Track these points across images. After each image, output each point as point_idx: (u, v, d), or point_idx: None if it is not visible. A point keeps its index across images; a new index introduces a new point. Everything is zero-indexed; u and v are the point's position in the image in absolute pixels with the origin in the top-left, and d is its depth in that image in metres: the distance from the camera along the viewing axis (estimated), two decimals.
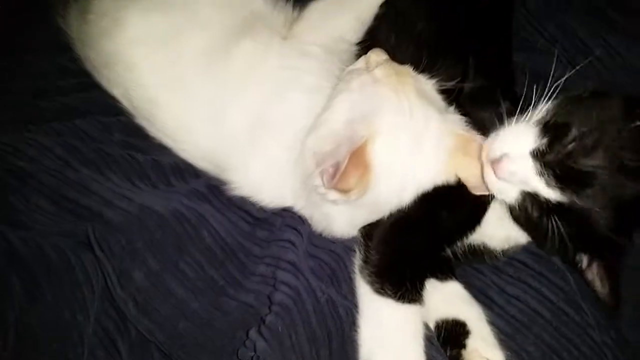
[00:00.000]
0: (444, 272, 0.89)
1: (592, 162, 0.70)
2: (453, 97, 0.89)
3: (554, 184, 0.71)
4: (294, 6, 1.00)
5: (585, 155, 0.70)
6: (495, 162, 0.75)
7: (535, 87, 0.80)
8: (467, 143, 0.83)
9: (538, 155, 0.73)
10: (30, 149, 0.90)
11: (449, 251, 0.89)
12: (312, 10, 0.96)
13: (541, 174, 0.72)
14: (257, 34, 0.92)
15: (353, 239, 0.89)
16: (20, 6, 1.11)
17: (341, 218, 0.85)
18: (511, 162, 0.73)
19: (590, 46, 1.05)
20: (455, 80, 0.89)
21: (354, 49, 0.97)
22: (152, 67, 0.91)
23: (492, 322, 0.85)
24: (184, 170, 0.95)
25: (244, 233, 0.91)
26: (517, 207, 0.76)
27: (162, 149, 0.94)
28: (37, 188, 0.87)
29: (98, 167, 0.91)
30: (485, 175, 0.77)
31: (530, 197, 0.74)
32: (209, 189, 0.94)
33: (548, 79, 1.01)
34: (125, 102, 0.95)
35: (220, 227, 0.89)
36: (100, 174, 0.90)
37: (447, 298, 0.87)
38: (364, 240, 0.87)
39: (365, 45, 0.98)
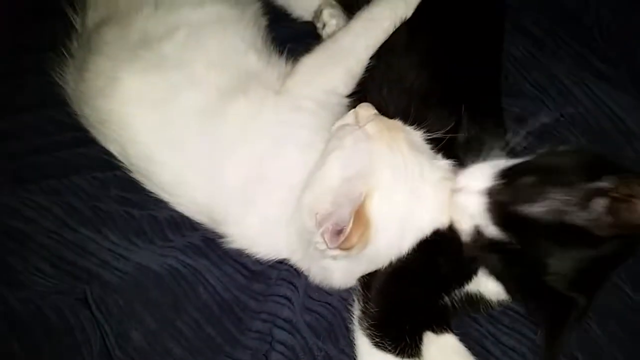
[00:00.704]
0: (440, 325, 0.89)
1: (536, 210, 0.72)
2: (442, 145, 0.91)
3: (497, 223, 0.74)
4: (287, 59, 1.02)
5: (530, 202, 0.73)
6: (455, 192, 0.79)
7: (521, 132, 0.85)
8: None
9: (491, 193, 0.76)
10: (28, 210, 0.91)
11: (446, 300, 0.90)
12: (303, 65, 0.97)
13: (488, 211, 0.76)
14: (251, 92, 0.94)
15: (350, 290, 0.90)
16: (15, 61, 1.13)
17: (339, 271, 0.86)
18: (464, 194, 0.78)
19: (575, 94, 1.08)
20: (445, 129, 0.91)
21: (346, 101, 0.99)
22: (147, 125, 0.93)
23: None
24: (181, 224, 0.96)
25: (240, 286, 0.92)
26: (470, 237, 0.79)
27: (159, 203, 0.95)
28: (35, 250, 0.88)
29: (95, 226, 0.92)
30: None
31: (479, 232, 0.77)
32: (205, 242, 0.95)
33: (534, 124, 1.05)
34: (121, 158, 0.97)
35: (217, 281, 0.90)
36: (98, 232, 0.91)
37: (443, 351, 0.87)
38: (362, 290, 0.87)
39: (357, 97, 1.00)
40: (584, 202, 0.71)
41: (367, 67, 0.99)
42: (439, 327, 0.89)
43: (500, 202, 0.75)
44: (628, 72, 1.13)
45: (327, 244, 0.75)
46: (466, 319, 0.93)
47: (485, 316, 0.93)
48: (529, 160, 0.80)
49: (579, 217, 0.71)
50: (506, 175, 0.78)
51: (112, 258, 0.88)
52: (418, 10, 0.99)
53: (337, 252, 0.76)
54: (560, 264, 0.73)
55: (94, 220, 0.93)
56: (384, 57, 0.99)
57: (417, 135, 0.88)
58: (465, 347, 0.87)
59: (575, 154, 0.81)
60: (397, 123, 0.88)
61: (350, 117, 0.87)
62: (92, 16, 1.05)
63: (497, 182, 0.78)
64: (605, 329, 0.95)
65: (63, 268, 0.88)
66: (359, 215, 0.75)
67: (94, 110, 0.98)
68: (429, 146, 0.87)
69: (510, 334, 0.91)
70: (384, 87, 0.98)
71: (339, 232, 0.73)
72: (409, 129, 0.88)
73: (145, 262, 0.88)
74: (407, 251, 0.83)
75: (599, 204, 0.71)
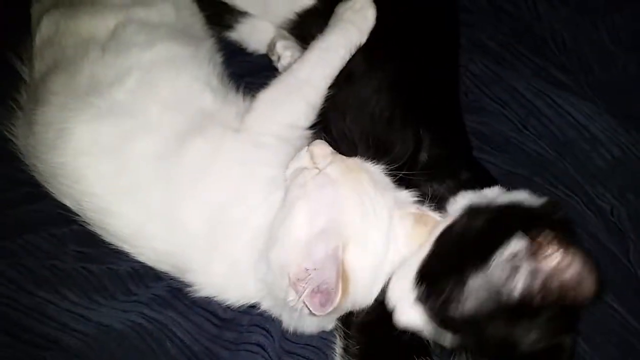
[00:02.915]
0: (421, 355, 0.87)
1: (469, 307, 0.69)
2: (404, 173, 0.89)
3: (443, 327, 0.72)
4: (245, 94, 1.00)
5: (459, 303, 0.69)
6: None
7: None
8: (423, 217, 0.83)
9: (421, 305, 0.74)
10: None
11: None
12: (261, 100, 0.95)
13: (431, 319, 0.73)
14: (208, 132, 0.91)
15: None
16: None
17: (313, 320, 0.83)
18: (401, 315, 0.75)
19: (538, 106, 1.07)
20: (405, 157, 0.90)
21: (308, 133, 0.97)
22: (101, 176, 0.89)
23: None
24: (144, 275, 0.93)
25: (211, 336, 0.89)
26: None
27: (119, 255, 0.91)
28: None
29: (53, 286, 0.87)
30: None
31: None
32: (171, 292, 0.91)
33: (498, 141, 1.04)
34: (77, 212, 0.93)
35: (185, 334, 0.86)
36: (56, 293, 0.87)
37: None
38: (342, 327, 0.85)
39: (320, 127, 0.98)
40: (508, 274, 0.68)
41: (327, 97, 0.96)
42: (420, 357, 0.86)
43: (434, 312, 0.72)
44: (586, 80, 1.14)
45: (309, 309, 0.71)
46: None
47: None
48: (433, 251, 0.76)
49: (514, 290, 0.68)
50: (423, 278, 0.75)
51: (72, 320, 0.84)
52: (373, 35, 0.98)
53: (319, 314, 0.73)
54: (528, 333, 0.69)
55: (52, 281, 0.88)
56: (344, 85, 0.97)
57: (377, 171, 0.85)
58: None
59: (480, 214, 0.76)
60: (357, 161, 0.85)
61: (304, 157, 0.83)
62: (39, 66, 1.02)
63: (419, 291, 0.74)
64: (592, 343, 0.92)
65: (19, 336, 0.83)
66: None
67: (46, 164, 0.94)
68: (389, 180, 0.85)
69: None
70: (347, 115, 0.96)
71: (321, 294, 0.70)
72: (369, 165, 0.85)
73: (107, 322, 0.83)
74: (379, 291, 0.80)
75: (522, 274, 0.68)
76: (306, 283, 0.70)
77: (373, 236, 0.77)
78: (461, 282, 0.69)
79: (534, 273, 0.67)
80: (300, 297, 0.70)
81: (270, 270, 0.77)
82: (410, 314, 0.74)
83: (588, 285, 0.66)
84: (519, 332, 0.69)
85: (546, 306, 0.67)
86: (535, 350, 0.69)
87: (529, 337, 0.69)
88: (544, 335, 0.69)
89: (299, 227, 0.75)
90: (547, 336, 0.69)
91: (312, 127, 0.97)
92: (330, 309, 0.69)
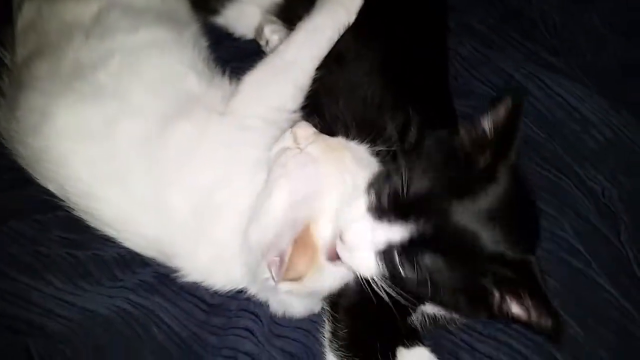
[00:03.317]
0: (411, 339, 0.85)
1: (418, 187, 0.69)
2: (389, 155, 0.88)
3: (397, 219, 0.69)
4: (231, 78, 0.99)
5: (408, 185, 0.69)
6: (341, 238, 0.73)
7: None
8: None
9: (373, 205, 0.72)
10: None
11: (413, 317, 0.86)
12: (247, 83, 0.93)
13: (381, 218, 0.71)
14: (193, 116, 0.89)
15: (320, 312, 0.87)
16: None
17: (298, 301, 0.82)
18: (351, 225, 0.72)
19: (528, 88, 1.06)
20: (395, 139, 0.89)
21: (296, 116, 0.96)
22: (85, 160, 0.88)
23: None
24: (130, 261, 0.91)
25: (199, 322, 0.87)
26: (385, 275, 0.72)
27: (104, 241, 0.90)
28: None
29: (37, 272, 0.86)
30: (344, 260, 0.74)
31: (387, 255, 0.71)
32: (158, 278, 0.90)
33: None
34: (62, 197, 0.91)
35: (172, 320, 0.85)
36: (40, 279, 0.85)
37: None
38: (331, 311, 0.84)
39: (311, 110, 0.96)
40: (453, 154, 0.72)
41: (318, 80, 0.95)
42: (410, 341, 0.85)
43: (386, 205, 0.71)
44: (577, 62, 1.13)
45: (273, 277, 0.70)
46: (439, 329, 0.89)
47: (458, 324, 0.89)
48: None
49: (460, 166, 0.71)
50: (373, 184, 0.75)
51: (56, 305, 0.82)
52: (361, 15, 0.97)
53: (287, 285, 0.72)
54: (475, 218, 0.68)
55: (36, 267, 0.87)
56: (335, 67, 0.96)
57: (362, 150, 0.84)
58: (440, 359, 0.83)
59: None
60: (340, 141, 0.84)
61: (288, 138, 0.82)
62: (21, 51, 1.01)
63: (371, 195, 0.74)
64: (585, 326, 0.91)
65: (2, 323, 0.82)
66: (304, 243, 0.71)
67: (30, 149, 0.92)
68: (374, 159, 0.84)
69: (485, 341, 0.88)
70: (339, 99, 0.95)
71: (280, 260, 0.69)
72: (352, 144, 0.84)
73: (92, 307, 0.82)
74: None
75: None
76: (271, 254, 0.70)
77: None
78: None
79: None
80: (265, 263, 0.70)
81: (249, 249, 0.76)
82: (359, 224, 0.72)
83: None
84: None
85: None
86: (499, 254, 0.68)
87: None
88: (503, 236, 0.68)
89: (278, 204, 0.75)
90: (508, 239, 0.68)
91: (307, 112, 0.96)
92: (282, 272, 0.68)
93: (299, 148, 0.79)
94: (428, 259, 0.69)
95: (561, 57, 1.12)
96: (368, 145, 0.84)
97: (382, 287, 0.73)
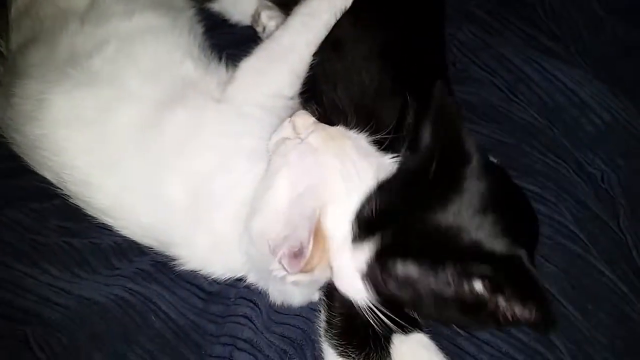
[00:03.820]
0: (409, 325, 0.86)
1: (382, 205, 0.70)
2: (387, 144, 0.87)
3: (365, 238, 0.71)
4: (228, 65, 0.98)
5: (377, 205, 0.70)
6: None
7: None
8: None
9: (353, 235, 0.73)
10: None
11: None
12: (243, 69, 0.92)
13: (355, 242, 0.72)
14: (190, 102, 0.88)
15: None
16: None
17: (299, 290, 0.81)
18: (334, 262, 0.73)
19: (527, 72, 1.05)
20: (390, 127, 0.88)
21: (293, 103, 0.95)
22: (81, 147, 0.87)
23: None
24: (127, 249, 0.91)
25: (197, 310, 0.87)
26: (378, 298, 0.73)
27: (102, 230, 0.90)
28: None
29: (33, 261, 0.86)
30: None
31: (371, 274, 0.72)
32: (155, 266, 0.89)
33: (487, 110, 1.02)
34: (58, 185, 0.91)
35: (170, 308, 0.85)
36: (36, 267, 0.85)
37: (413, 350, 0.83)
38: (326, 300, 0.83)
39: (310, 95, 0.96)
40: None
41: (316, 67, 0.94)
42: (408, 328, 0.85)
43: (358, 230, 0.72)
44: (575, 46, 1.12)
45: (286, 270, 0.70)
46: None
47: None
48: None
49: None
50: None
51: (53, 293, 0.82)
52: (359, 0, 0.96)
53: (299, 276, 0.71)
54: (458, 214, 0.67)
55: (32, 255, 0.86)
56: (333, 54, 0.95)
57: (362, 139, 0.83)
58: (439, 347, 0.83)
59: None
60: (340, 130, 0.83)
61: (287, 128, 0.81)
62: (16, 38, 1.00)
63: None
64: (584, 310, 0.91)
65: None
66: (317, 233, 0.71)
67: (25, 137, 0.92)
68: (374, 147, 0.83)
69: None
70: (337, 85, 0.94)
71: (296, 255, 0.68)
72: (352, 133, 0.83)
73: (89, 295, 0.82)
74: None
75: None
76: (284, 246, 0.69)
77: (355, 199, 0.75)
78: None
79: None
80: (278, 259, 0.69)
81: (252, 241, 0.76)
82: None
83: None
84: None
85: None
86: (494, 252, 0.67)
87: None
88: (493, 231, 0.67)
89: (280, 195, 0.74)
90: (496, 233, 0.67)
91: (304, 99, 0.95)
92: (301, 265, 0.68)
93: (299, 138, 0.78)
94: (400, 266, 0.69)
95: (560, 41, 1.11)
96: (367, 134, 0.83)
97: (382, 312, 0.73)
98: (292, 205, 0.72)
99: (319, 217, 0.71)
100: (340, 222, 0.73)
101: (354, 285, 0.73)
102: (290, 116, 0.83)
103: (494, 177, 0.72)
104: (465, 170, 0.69)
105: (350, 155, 0.77)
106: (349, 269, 0.72)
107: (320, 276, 0.75)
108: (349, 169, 0.76)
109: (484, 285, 0.68)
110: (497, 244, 0.67)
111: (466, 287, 0.68)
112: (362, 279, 0.72)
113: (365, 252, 0.71)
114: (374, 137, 0.84)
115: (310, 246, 0.68)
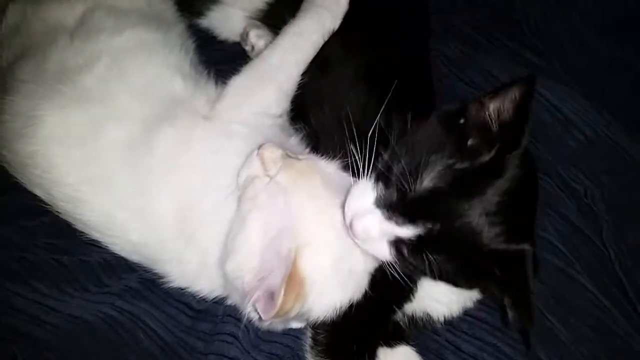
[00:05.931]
0: (394, 338, 0.87)
1: (428, 183, 0.69)
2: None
3: (406, 220, 0.70)
4: (217, 82, 0.98)
5: (418, 180, 0.70)
6: (350, 227, 0.74)
7: None
8: None
9: (381, 201, 0.73)
10: None
11: (395, 319, 0.87)
12: (232, 87, 0.93)
13: (390, 218, 0.71)
14: (178, 120, 0.89)
15: None
16: None
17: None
18: (360, 220, 0.73)
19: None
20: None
21: (281, 121, 0.96)
22: (71, 164, 0.87)
23: None
24: (116, 266, 0.91)
25: (185, 327, 0.88)
26: (396, 260, 0.74)
27: (90, 247, 0.90)
28: None
29: (22, 279, 0.86)
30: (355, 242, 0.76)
31: (397, 245, 0.73)
32: (144, 284, 0.90)
33: None
34: (48, 202, 0.91)
35: (158, 325, 0.85)
36: (25, 285, 0.85)
37: None
38: None
39: (293, 115, 0.96)
40: (458, 143, 0.70)
41: (304, 87, 0.95)
42: (395, 341, 0.87)
43: (394, 203, 0.71)
44: (559, 62, 1.14)
45: (260, 315, 0.70)
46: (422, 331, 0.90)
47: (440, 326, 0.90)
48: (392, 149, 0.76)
49: (465, 158, 0.70)
50: (380, 177, 0.75)
51: (42, 312, 0.83)
52: (347, 20, 0.97)
53: (273, 319, 0.71)
54: (480, 216, 0.68)
55: (21, 273, 0.87)
56: (321, 74, 0.96)
57: (332, 168, 0.84)
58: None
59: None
60: (308, 163, 0.82)
61: (255, 163, 0.80)
62: (6, 55, 1.00)
63: (379, 187, 0.74)
64: (567, 324, 0.93)
65: None
66: (292, 276, 0.70)
67: (15, 154, 0.92)
68: (346, 175, 0.83)
69: (470, 341, 0.89)
70: (324, 105, 0.95)
71: (272, 298, 0.68)
72: (321, 164, 0.84)
73: (78, 313, 0.82)
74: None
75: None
76: (258, 290, 0.69)
77: (329, 237, 0.76)
78: (416, 164, 0.71)
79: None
80: (251, 302, 0.69)
81: (227, 279, 0.76)
82: (369, 216, 0.73)
83: None
84: (475, 208, 0.68)
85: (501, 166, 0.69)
86: (494, 253, 0.69)
87: (483, 218, 0.68)
88: (502, 224, 0.69)
89: (253, 238, 0.74)
90: (505, 229, 0.69)
91: (292, 118, 0.96)
92: (273, 312, 0.68)
93: (267, 175, 0.78)
94: (435, 256, 0.70)
95: (544, 56, 1.12)
96: (348, 156, 0.82)
97: (394, 268, 0.75)
98: (266, 247, 0.72)
99: (294, 259, 0.71)
100: (316, 263, 0.73)
101: (378, 247, 0.74)
102: (258, 149, 0.81)
103: (526, 168, 0.73)
104: (509, 160, 0.69)
105: (320, 192, 0.77)
106: (374, 234, 0.73)
107: (297, 315, 0.75)
108: (320, 207, 0.76)
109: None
110: (513, 239, 0.70)
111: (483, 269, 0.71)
112: (389, 245, 0.73)
113: (402, 231, 0.71)
114: (355, 158, 0.84)
115: (282, 291, 0.67)
